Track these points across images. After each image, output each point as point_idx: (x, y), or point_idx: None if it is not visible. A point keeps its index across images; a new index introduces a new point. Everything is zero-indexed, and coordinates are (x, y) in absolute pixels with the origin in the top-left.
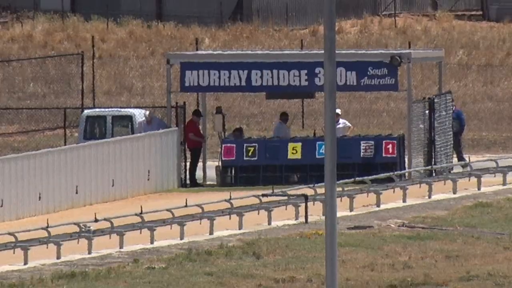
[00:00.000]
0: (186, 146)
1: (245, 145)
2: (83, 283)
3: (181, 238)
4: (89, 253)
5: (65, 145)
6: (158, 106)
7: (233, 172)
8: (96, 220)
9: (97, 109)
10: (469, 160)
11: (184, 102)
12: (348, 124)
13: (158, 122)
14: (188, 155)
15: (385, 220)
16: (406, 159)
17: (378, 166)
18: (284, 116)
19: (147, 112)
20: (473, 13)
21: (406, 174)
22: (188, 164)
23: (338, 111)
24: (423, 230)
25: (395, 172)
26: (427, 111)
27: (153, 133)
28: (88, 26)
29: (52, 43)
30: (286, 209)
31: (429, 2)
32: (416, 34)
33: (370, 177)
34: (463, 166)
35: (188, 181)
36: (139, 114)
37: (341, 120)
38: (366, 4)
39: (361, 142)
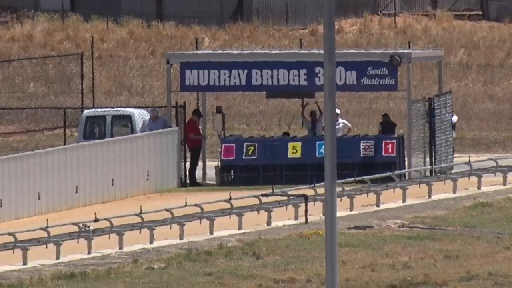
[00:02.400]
0: (186, 146)
1: (245, 144)
2: (82, 283)
3: (181, 238)
4: (89, 253)
5: (64, 145)
6: (158, 106)
7: (232, 171)
8: (95, 220)
9: (96, 109)
10: (469, 160)
11: (184, 102)
12: (348, 124)
13: (163, 121)
14: (188, 154)
15: (385, 220)
16: (406, 159)
17: (378, 165)
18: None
19: (151, 110)
20: (473, 13)
21: (406, 174)
22: (187, 164)
23: (337, 111)
24: (423, 230)
25: (395, 172)
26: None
27: (153, 133)
28: (88, 26)
29: (52, 43)
30: (286, 209)
31: (428, 2)
32: (416, 34)
33: (370, 177)
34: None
35: (188, 181)
36: (139, 114)
37: (340, 120)
38: (365, 3)
39: (361, 141)
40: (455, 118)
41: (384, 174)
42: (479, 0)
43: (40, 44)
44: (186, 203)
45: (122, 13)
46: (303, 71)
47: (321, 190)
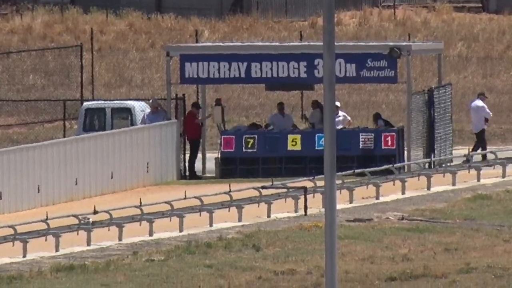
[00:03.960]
0: (185, 138)
1: (244, 136)
2: (82, 276)
3: (180, 231)
4: (88, 245)
5: (64, 137)
6: (157, 98)
7: (232, 164)
8: (95, 212)
9: (96, 101)
10: (469, 152)
11: (184, 94)
12: (348, 117)
13: (163, 114)
14: (188, 147)
15: (384, 212)
16: (405, 151)
17: (377, 158)
18: (280, 106)
19: (150, 101)
20: (472, 5)
21: (405, 166)
22: (187, 156)
23: (337, 103)
24: (422, 223)
25: (395, 165)
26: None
27: (152, 125)
28: (87, 18)
29: (52, 35)
30: (285, 201)
31: None
32: (415, 26)
33: (369, 169)
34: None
35: (187, 173)
36: (139, 106)
37: (340, 113)
38: None
39: (361, 134)
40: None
41: (384, 167)
42: None
43: (39, 36)
44: (185, 195)
45: (122, 5)
46: (303, 64)
47: (320, 183)
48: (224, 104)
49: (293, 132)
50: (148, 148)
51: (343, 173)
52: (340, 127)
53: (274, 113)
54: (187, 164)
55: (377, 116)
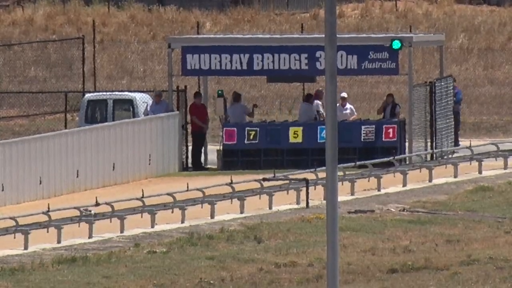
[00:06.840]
0: (191, 129)
1: (246, 128)
2: (83, 268)
3: (182, 222)
4: (90, 237)
5: (66, 129)
6: (159, 90)
7: (234, 156)
8: (97, 204)
9: (98, 93)
10: (470, 144)
11: (185, 86)
12: (355, 112)
13: (166, 104)
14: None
15: (386, 204)
16: (407, 143)
17: (378, 150)
18: (308, 97)
19: (154, 91)
20: None
21: (407, 158)
22: (190, 147)
23: (344, 95)
24: (424, 215)
25: (396, 157)
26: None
27: (154, 116)
28: (89, 10)
29: (53, 27)
30: (287, 193)
31: None
32: (417, 18)
33: (371, 161)
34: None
35: (189, 165)
36: (140, 98)
37: (348, 105)
38: None
39: (362, 126)
40: None
41: (385, 159)
42: None
43: (41, 28)
44: (187, 187)
45: None
46: (304, 56)
47: (322, 175)
48: (226, 96)
49: (295, 124)
50: (150, 140)
51: (345, 165)
52: (345, 118)
53: (303, 103)
54: (191, 155)
55: (388, 100)
